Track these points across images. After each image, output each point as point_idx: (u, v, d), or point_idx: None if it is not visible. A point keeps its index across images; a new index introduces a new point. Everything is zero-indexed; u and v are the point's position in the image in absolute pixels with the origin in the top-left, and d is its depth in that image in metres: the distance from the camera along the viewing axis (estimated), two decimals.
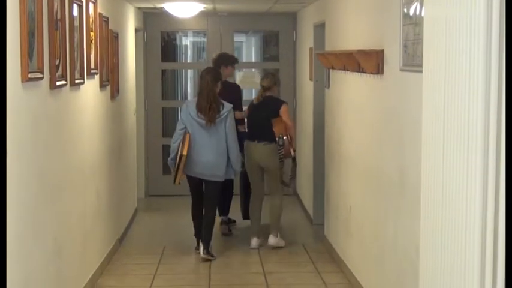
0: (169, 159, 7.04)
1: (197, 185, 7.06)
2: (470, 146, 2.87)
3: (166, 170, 10.74)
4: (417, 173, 3.78)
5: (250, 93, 16.51)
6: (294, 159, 7.53)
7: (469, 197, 2.89)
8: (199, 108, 6.83)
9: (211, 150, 6.84)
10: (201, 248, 6.90)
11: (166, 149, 11.00)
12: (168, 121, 12.42)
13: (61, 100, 5.03)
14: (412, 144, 4.34)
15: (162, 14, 9.89)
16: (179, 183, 6.97)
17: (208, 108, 6.79)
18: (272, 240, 7.41)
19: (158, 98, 10.38)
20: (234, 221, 8.22)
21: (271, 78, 7.51)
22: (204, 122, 6.80)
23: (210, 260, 6.86)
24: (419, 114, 3.55)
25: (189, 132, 6.83)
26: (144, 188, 10.17)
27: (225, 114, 6.86)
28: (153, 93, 10.29)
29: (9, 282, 3.78)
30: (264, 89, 7.48)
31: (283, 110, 7.34)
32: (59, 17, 4.83)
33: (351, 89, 6.27)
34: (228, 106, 6.91)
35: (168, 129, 11.98)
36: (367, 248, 5.67)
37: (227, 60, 7.98)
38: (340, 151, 6.73)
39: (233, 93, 7.71)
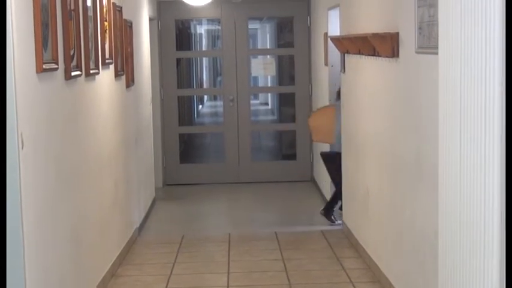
0: None
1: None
2: (488, 126, 2.85)
3: (183, 159, 10.77)
4: (434, 155, 3.76)
5: (266, 81, 16.48)
6: None
7: (487, 177, 2.87)
8: None
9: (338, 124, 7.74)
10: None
11: (182, 137, 11.03)
12: (184, 110, 12.42)
13: (76, 90, 5.04)
14: (429, 126, 4.32)
15: (175, 3, 9.87)
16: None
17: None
18: None
19: (174, 87, 10.38)
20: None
21: None
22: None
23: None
24: (435, 96, 3.53)
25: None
26: (162, 177, 10.19)
27: None
28: (168, 82, 10.28)
29: (28, 273, 3.81)
30: None
31: None
32: (72, 7, 4.82)
33: (366, 73, 6.24)
34: None
35: (184, 118, 11.99)
36: (386, 232, 5.65)
37: None
38: (357, 135, 6.71)
39: None
